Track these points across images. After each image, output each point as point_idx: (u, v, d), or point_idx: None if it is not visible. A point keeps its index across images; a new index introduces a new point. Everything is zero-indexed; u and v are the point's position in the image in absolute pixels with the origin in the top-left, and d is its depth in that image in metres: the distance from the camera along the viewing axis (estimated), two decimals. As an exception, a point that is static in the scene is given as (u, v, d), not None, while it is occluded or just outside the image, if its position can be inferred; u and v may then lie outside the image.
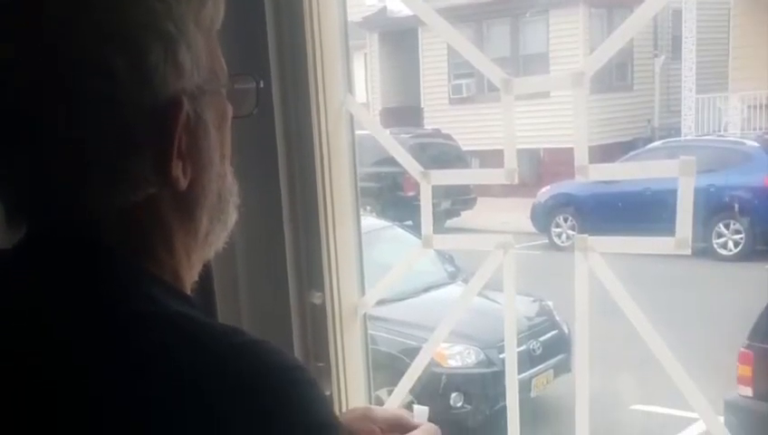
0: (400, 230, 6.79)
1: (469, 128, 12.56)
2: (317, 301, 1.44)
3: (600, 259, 1.28)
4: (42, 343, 0.72)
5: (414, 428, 1.09)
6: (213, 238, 0.86)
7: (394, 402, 1.49)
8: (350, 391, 1.47)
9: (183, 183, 0.78)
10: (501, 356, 4.91)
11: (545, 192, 9.35)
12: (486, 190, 9.83)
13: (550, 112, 9.67)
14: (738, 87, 11.53)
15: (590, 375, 1.34)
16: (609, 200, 8.19)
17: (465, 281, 5.62)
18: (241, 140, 0.96)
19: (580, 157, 1.27)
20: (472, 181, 9.67)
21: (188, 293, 0.84)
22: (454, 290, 5.99)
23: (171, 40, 0.75)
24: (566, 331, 5.86)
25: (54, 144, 0.74)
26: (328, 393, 1.44)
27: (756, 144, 9.03)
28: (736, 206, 7.94)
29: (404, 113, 14.74)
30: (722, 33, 12.35)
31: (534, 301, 6.12)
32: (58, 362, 0.71)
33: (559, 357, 5.76)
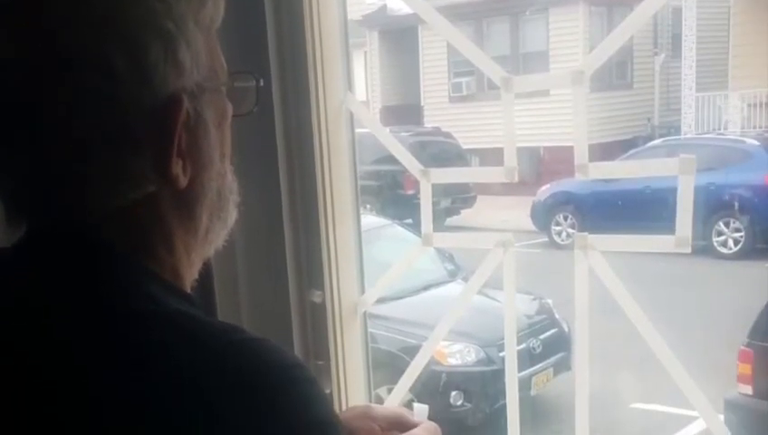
0: (400, 228, 6.80)
1: (469, 126, 12.58)
2: (317, 299, 1.44)
3: (599, 257, 1.28)
4: (42, 343, 0.72)
5: (414, 426, 1.09)
6: (213, 237, 0.86)
7: (394, 400, 1.49)
8: (350, 389, 1.47)
9: (183, 181, 0.78)
10: (501, 354, 4.92)
11: (545, 190, 9.36)
12: (486, 188, 9.84)
13: (550, 111, 9.69)
14: (738, 85, 11.53)
15: (589, 373, 1.34)
16: (609, 199, 8.20)
17: (465, 279, 5.63)
18: (241, 139, 0.96)
19: (580, 155, 1.27)
20: (472, 179, 9.66)
21: (188, 291, 0.84)
22: (454, 288, 5.99)
23: (171, 38, 0.75)
24: (566, 329, 5.86)
25: (54, 142, 0.74)
26: (328, 391, 1.44)
27: (756, 142, 9.03)
28: (736, 204, 7.95)
29: (404, 111, 14.75)
30: (722, 31, 12.35)
31: (534, 299, 6.12)
32: (58, 361, 0.71)
33: (559, 355, 5.76)
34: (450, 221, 9.71)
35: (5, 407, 0.72)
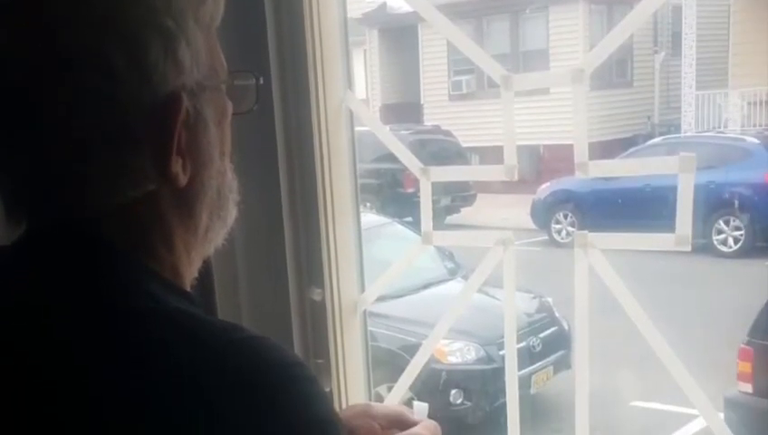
0: (400, 227, 6.81)
1: (469, 124, 12.58)
2: (317, 297, 1.44)
3: (599, 256, 1.28)
4: (42, 342, 0.72)
5: (414, 424, 1.09)
6: (212, 235, 0.86)
7: (394, 399, 1.49)
8: (350, 387, 1.47)
9: (182, 180, 0.78)
10: (501, 353, 4.91)
11: (545, 189, 9.37)
12: (486, 187, 9.84)
13: (549, 109, 9.69)
14: (738, 83, 11.53)
15: (589, 372, 1.34)
16: (608, 197, 8.21)
17: (465, 277, 5.63)
18: (241, 137, 0.96)
19: (580, 153, 1.27)
20: (472, 178, 9.66)
21: (188, 289, 0.84)
22: (453, 286, 6.00)
23: (171, 37, 0.75)
24: (566, 327, 5.87)
25: (54, 142, 0.74)
26: (328, 390, 1.44)
27: (756, 141, 9.04)
28: (736, 202, 7.96)
29: (404, 110, 14.75)
30: (722, 29, 12.35)
31: (534, 297, 6.13)
32: (58, 361, 0.71)
33: (559, 354, 5.77)
34: (450, 219, 9.71)
35: (6, 407, 0.72)
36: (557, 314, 6.03)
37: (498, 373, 4.99)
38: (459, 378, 5.54)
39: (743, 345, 4.57)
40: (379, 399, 1.69)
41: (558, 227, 8.90)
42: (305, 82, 1.39)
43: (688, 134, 11.82)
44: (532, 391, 5.54)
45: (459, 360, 5.57)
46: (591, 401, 1.34)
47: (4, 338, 0.74)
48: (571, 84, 1.27)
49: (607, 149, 9.11)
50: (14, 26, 0.73)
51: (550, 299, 6.13)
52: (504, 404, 1.43)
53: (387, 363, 4.50)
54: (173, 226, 0.81)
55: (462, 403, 5.50)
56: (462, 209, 10.24)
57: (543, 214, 9.14)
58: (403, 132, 10.23)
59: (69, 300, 0.74)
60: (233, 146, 0.86)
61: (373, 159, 7.50)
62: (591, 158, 1.27)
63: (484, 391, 5.50)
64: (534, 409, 5.42)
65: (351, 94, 1.45)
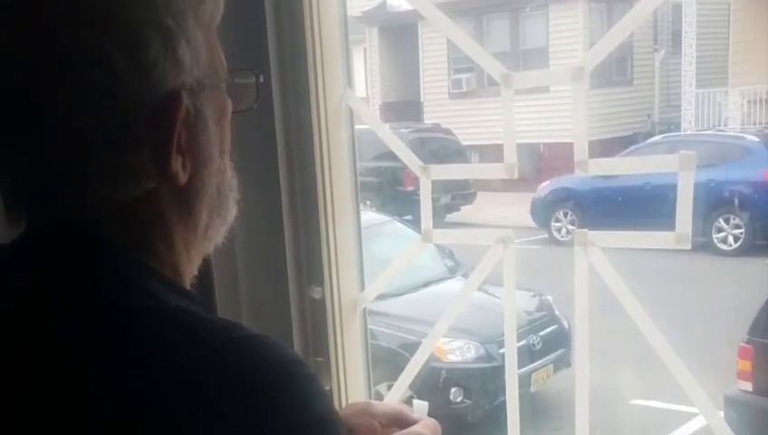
0: (400, 225, 6.81)
1: (469, 122, 12.58)
2: (317, 296, 1.44)
3: (599, 254, 1.28)
4: (42, 343, 0.72)
5: (414, 422, 1.09)
6: (212, 233, 0.86)
7: (394, 397, 1.49)
8: (350, 385, 1.47)
9: (182, 178, 0.78)
10: (501, 351, 4.92)
11: (545, 187, 9.37)
12: (486, 185, 9.85)
13: (549, 107, 9.68)
14: (738, 82, 11.53)
15: (589, 370, 1.34)
16: (608, 195, 8.21)
17: (465, 276, 5.63)
18: (241, 135, 0.96)
19: (580, 151, 1.27)
20: (471, 176, 9.64)
21: (188, 287, 0.84)
22: (453, 285, 6.00)
23: (171, 35, 0.75)
24: (566, 326, 5.87)
25: (54, 140, 0.74)
26: (327, 388, 1.44)
27: (756, 139, 9.04)
28: (736, 200, 7.96)
29: (404, 108, 14.75)
30: (722, 27, 12.35)
31: (534, 296, 6.13)
32: (58, 361, 0.71)
33: (559, 352, 5.77)
34: (450, 218, 9.72)
35: (6, 407, 0.72)
36: (557, 313, 6.03)
37: (498, 372, 4.99)
38: (459, 376, 5.54)
39: (743, 344, 4.57)
40: (379, 397, 1.69)
41: (558, 225, 8.90)
42: (305, 80, 1.39)
43: (688, 132, 11.83)
44: (532, 389, 5.55)
45: (459, 358, 5.58)
46: (591, 399, 1.33)
47: (5, 338, 0.74)
48: (571, 82, 1.27)
49: (607, 148, 9.12)
50: (14, 26, 0.73)
51: (550, 297, 6.14)
52: (504, 402, 1.43)
53: (387, 362, 4.51)
54: (173, 224, 0.81)
55: (462, 401, 5.50)
56: (462, 207, 10.24)
57: (543, 212, 9.15)
58: (403, 130, 10.23)
59: (69, 299, 0.74)
60: (233, 144, 0.86)
61: (373, 158, 7.49)
62: (591, 156, 1.27)
63: (484, 390, 5.51)
64: (534, 407, 5.43)
65: (351, 92, 1.45)
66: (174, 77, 0.76)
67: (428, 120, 13.92)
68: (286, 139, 1.40)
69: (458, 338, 5.50)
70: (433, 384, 5.31)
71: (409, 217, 7.27)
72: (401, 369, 1.49)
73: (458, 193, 10.18)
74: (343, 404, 1.43)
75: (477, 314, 4.81)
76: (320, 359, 1.45)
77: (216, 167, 0.83)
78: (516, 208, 9.33)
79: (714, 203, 7.76)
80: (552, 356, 5.73)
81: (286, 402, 0.71)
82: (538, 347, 5.69)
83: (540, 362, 5.64)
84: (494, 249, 1.38)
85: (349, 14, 1.47)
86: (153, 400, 0.68)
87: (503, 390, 1.45)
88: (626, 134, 12.27)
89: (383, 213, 7.89)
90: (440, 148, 10.90)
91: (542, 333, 5.78)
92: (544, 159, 12.06)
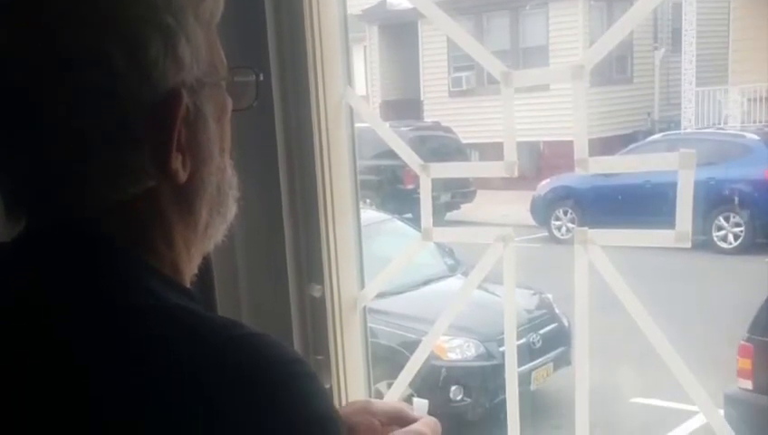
0: (400, 223, 6.81)
1: (469, 120, 12.56)
2: (317, 294, 1.44)
3: (599, 252, 1.28)
4: (42, 342, 0.72)
5: (414, 421, 1.09)
6: (212, 231, 0.86)
7: (394, 395, 1.49)
8: (350, 384, 1.47)
9: (182, 176, 0.78)
10: (500, 349, 4.92)
11: (545, 185, 9.36)
12: (486, 183, 9.84)
13: (549, 105, 9.68)
14: (738, 80, 11.53)
15: (589, 368, 1.34)
16: (608, 193, 8.20)
17: (465, 274, 5.63)
18: (241, 134, 0.96)
19: (580, 149, 1.27)
20: (471, 174, 9.61)
21: (188, 286, 0.84)
22: (453, 283, 6.00)
23: (171, 33, 0.75)
24: (566, 324, 5.87)
25: (54, 142, 0.74)
26: (327, 386, 1.44)
27: (756, 137, 9.04)
28: (736, 199, 7.95)
29: (404, 106, 14.74)
30: (722, 25, 12.34)
31: (534, 294, 6.13)
32: (58, 360, 0.71)
33: (559, 350, 5.77)
34: (450, 216, 9.71)
35: (6, 407, 0.72)
36: (557, 311, 6.03)
37: (498, 370, 4.98)
38: (459, 374, 5.54)
39: (743, 342, 4.57)
40: (379, 395, 1.69)
41: (558, 223, 8.89)
42: (305, 78, 1.39)
43: (688, 131, 11.81)
44: (532, 387, 5.55)
45: (459, 356, 5.57)
46: (591, 397, 1.34)
47: (4, 337, 0.74)
48: (571, 81, 1.27)
49: (607, 146, 9.12)
50: (14, 26, 0.73)
51: (550, 296, 6.13)
52: (504, 401, 1.43)
53: (386, 360, 4.50)
54: (173, 222, 0.81)
55: (462, 400, 5.50)
56: (462, 206, 10.23)
57: (543, 210, 9.14)
58: (403, 129, 10.21)
59: (69, 298, 0.74)
60: (233, 142, 0.86)
61: (373, 156, 7.49)
62: (591, 154, 1.27)
63: (484, 388, 5.51)
64: (534, 405, 5.43)
65: (351, 91, 1.45)
66: (174, 75, 0.76)
67: (428, 118, 13.90)
68: (286, 137, 1.40)
69: (458, 336, 5.50)
70: (433, 382, 5.31)
71: (409, 215, 7.27)
72: (401, 367, 1.49)
73: (458, 191, 10.17)
74: (343, 402, 1.43)
75: (477, 313, 4.81)
76: (320, 357, 1.45)
77: (216, 165, 0.83)
78: (516, 207, 9.32)
79: (714, 201, 7.76)
80: (552, 354, 5.73)
81: (286, 401, 0.71)
82: (538, 345, 5.69)
83: (540, 360, 5.64)
84: (494, 247, 1.38)
85: (349, 12, 1.47)
86: (153, 398, 0.68)
87: (503, 388, 1.45)
88: (626, 132, 12.26)
89: (383, 211, 7.88)
90: (440, 146, 10.89)
91: (542, 332, 5.78)
92: (544, 158, 12.05)
